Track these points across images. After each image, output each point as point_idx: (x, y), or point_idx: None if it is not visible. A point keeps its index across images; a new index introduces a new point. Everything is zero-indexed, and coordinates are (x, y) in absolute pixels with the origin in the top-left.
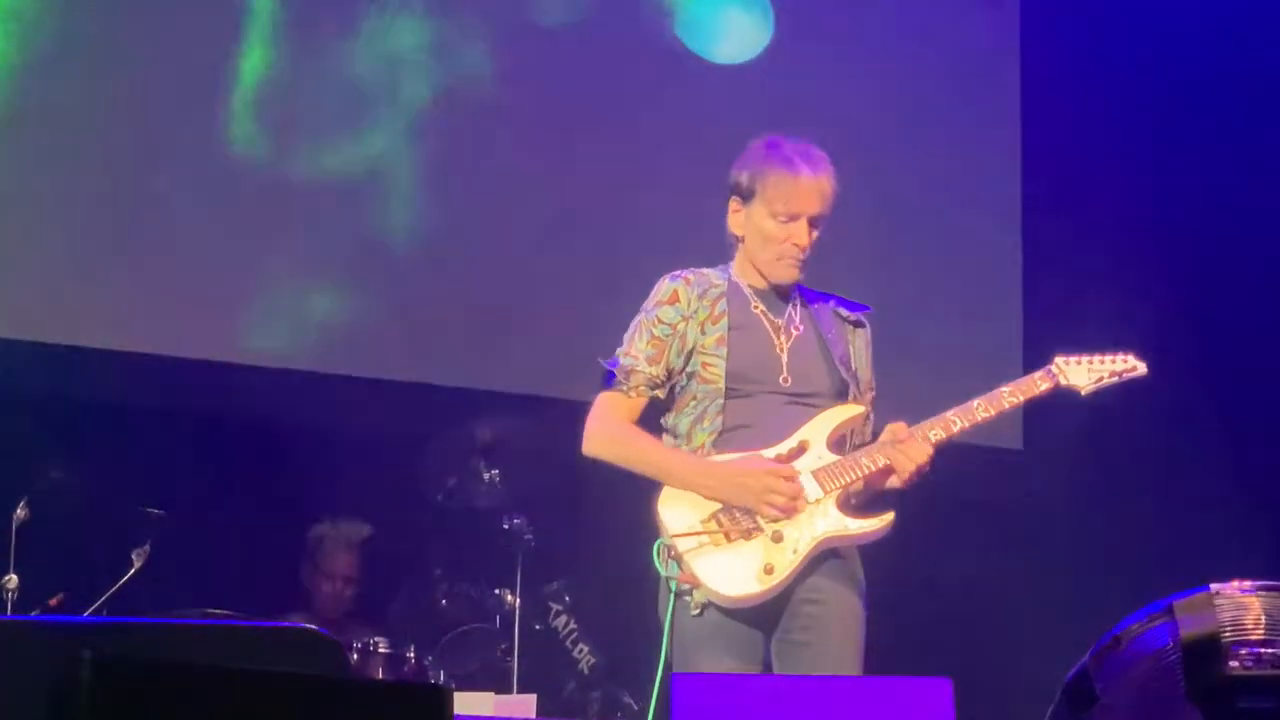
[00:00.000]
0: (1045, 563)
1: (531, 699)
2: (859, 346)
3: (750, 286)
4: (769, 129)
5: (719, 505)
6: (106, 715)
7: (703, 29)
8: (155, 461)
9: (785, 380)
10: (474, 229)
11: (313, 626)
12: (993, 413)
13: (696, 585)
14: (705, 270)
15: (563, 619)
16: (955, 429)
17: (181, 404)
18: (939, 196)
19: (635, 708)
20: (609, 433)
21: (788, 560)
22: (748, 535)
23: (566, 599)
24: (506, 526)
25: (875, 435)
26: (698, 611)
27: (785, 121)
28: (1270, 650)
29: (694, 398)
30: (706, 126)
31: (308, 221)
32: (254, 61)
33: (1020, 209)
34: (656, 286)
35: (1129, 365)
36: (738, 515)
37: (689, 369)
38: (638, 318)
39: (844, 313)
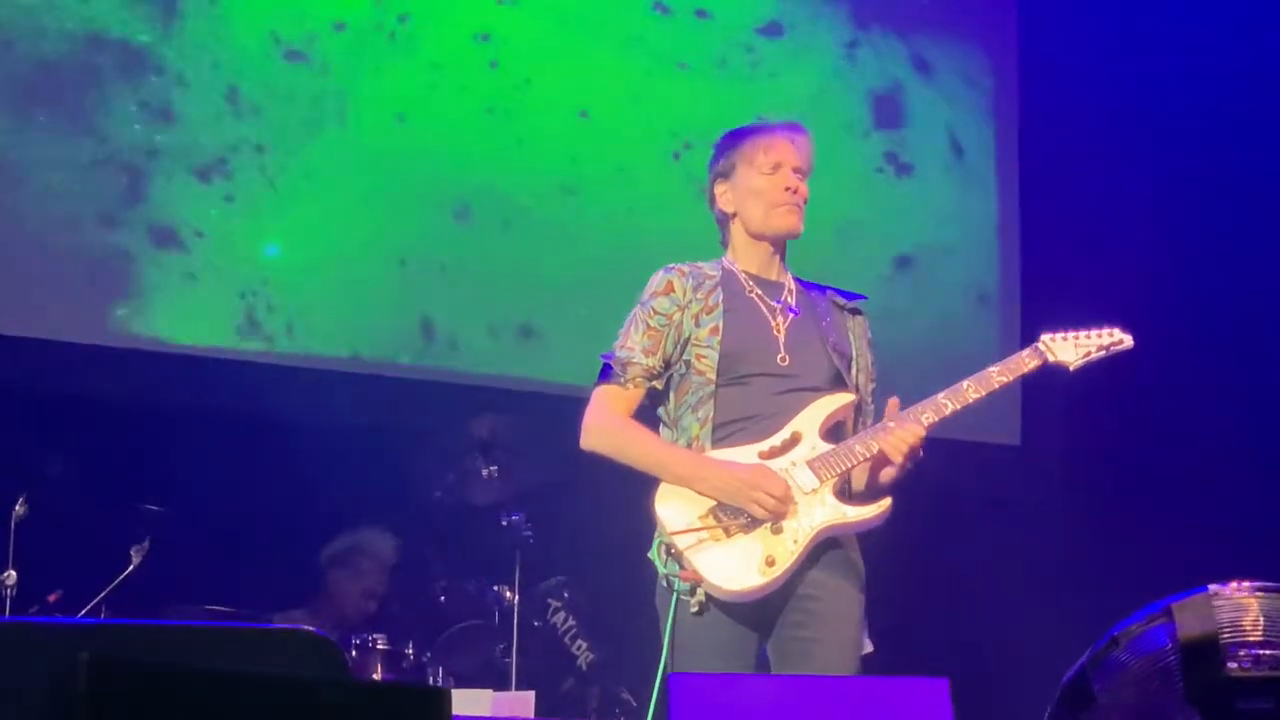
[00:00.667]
0: (1043, 561)
1: (530, 696)
2: (857, 334)
3: (745, 271)
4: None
5: (715, 500)
6: (104, 717)
7: None
8: (154, 458)
9: (783, 360)
10: (475, 222)
11: (310, 628)
12: (983, 393)
13: (699, 581)
14: (699, 263)
15: (561, 616)
16: (947, 410)
17: (181, 400)
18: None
19: (633, 704)
20: (606, 427)
21: (788, 551)
22: (747, 529)
23: (565, 596)
24: (505, 523)
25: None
26: (697, 609)
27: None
28: (1268, 651)
29: (689, 388)
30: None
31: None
32: None
33: (1017, 195)
34: (651, 279)
35: (1115, 339)
36: (735, 510)
37: (685, 358)
38: (633, 310)
39: (840, 300)
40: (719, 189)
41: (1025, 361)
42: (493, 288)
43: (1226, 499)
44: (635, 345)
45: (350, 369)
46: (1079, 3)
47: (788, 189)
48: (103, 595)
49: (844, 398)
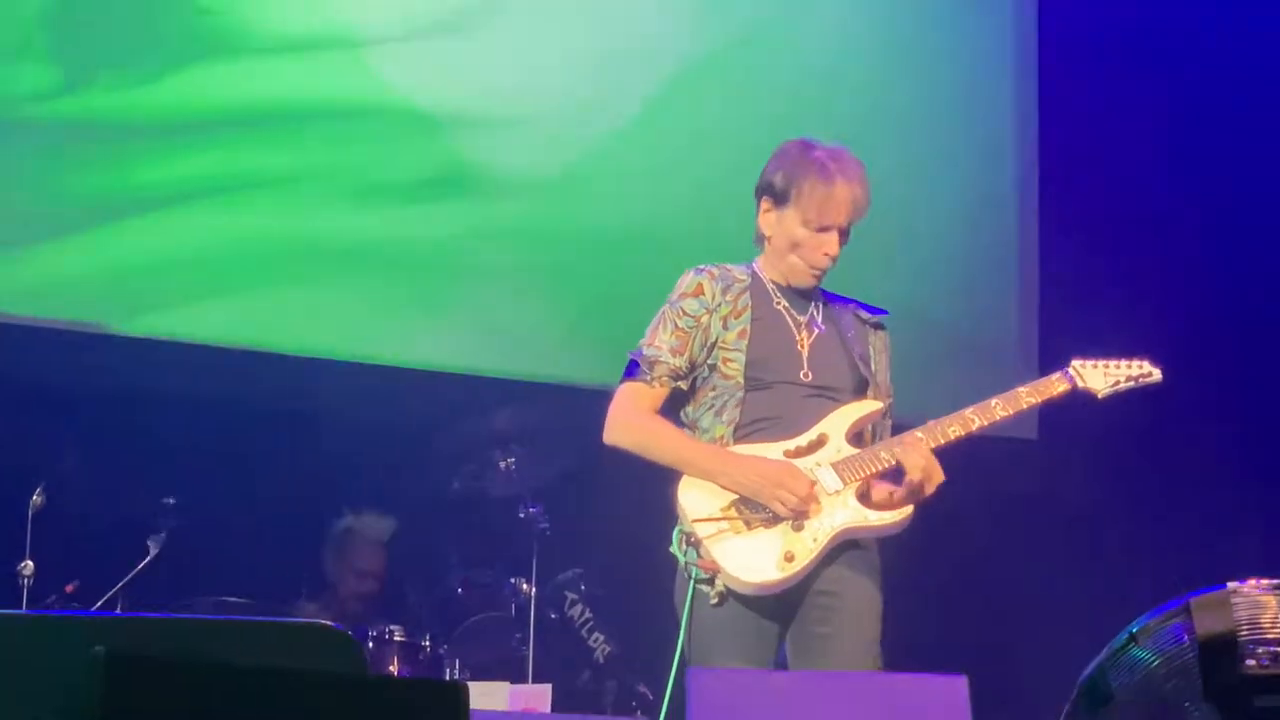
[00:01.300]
0: (1061, 557)
1: (546, 689)
2: (878, 349)
3: (773, 282)
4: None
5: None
6: (120, 711)
7: None
8: (172, 449)
9: (806, 375)
10: (491, 215)
11: (329, 622)
12: (1010, 412)
13: (716, 572)
14: (729, 266)
15: (578, 608)
16: (974, 426)
17: (199, 392)
18: (948, 193)
19: (650, 697)
20: (630, 421)
21: (808, 549)
22: (768, 523)
23: (582, 588)
24: (522, 515)
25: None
26: (716, 601)
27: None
28: None
29: (713, 390)
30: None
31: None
32: None
33: (1037, 208)
34: (680, 279)
35: (1145, 371)
36: (758, 504)
37: (710, 361)
38: (661, 309)
39: (864, 315)
40: (764, 205)
41: (1054, 385)
42: (510, 276)
43: (1246, 495)
44: (663, 344)
45: (369, 362)
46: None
47: (825, 254)
48: (120, 586)
49: (872, 405)
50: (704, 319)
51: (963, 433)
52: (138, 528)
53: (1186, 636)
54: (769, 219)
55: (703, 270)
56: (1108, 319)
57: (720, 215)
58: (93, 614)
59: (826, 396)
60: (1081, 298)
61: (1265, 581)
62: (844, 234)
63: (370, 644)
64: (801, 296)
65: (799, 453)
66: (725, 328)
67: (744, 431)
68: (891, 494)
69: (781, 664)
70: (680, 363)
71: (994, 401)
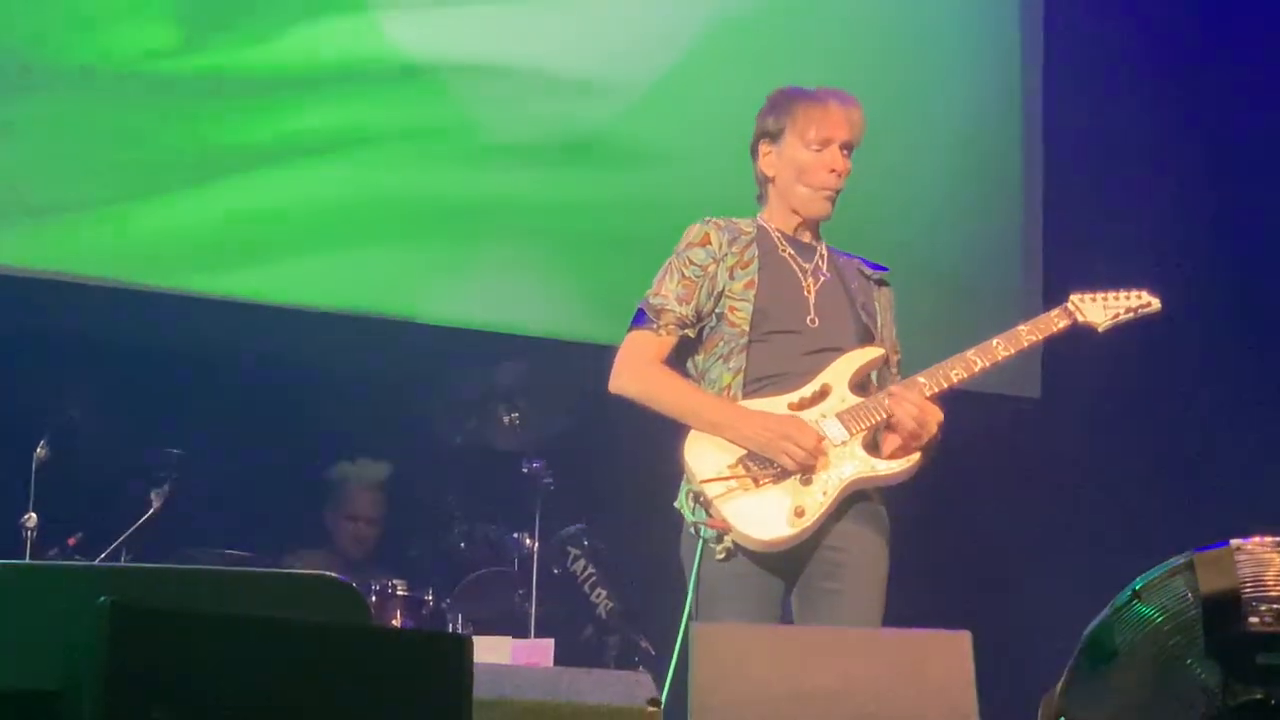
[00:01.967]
0: (1064, 514)
1: (549, 643)
2: (883, 304)
3: (779, 231)
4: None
5: (745, 450)
6: (124, 661)
7: None
8: (175, 402)
9: (812, 321)
10: (493, 170)
11: (333, 574)
12: (1012, 351)
13: (727, 530)
14: (735, 219)
15: (581, 563)
16: (976, 368)
17: (203, 343)
18: (950, 137)
19: (652, 653)
20: (637, 370)
21: (817, 503)
22: (776, 479)
23: (585, 543)
24: (525, 470)
25: None
26: (723, 556)
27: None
28: None
29: (722, 340)
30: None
31: (329, 166)
32: None
33: (1041, 152)
34: (687, 230)
35: (1144, 301)
36: (765, 459)
37: (718, 310)
38: (668, 260)
39: (867, 270)
40: (763, 149)
41: (1054, 321)
42: (512, 230)
43: (1251, 451)
44: (669, 293)
45: (372, 315)
46: None
47: (833, 170)
48: (123, 539)
49: (873, 351)
50: (711, 268)
51: (965, 375)
52: (141, 481)
53: (1190, 593)
54: (769, 160)
55: (709, 221)
56: (1113, 266)
57: None
58: (98, 565)
59: (830, 349)
60: (1086, 243)
61: (1269, 539)
62: (845, 151)
63: (373, 598)
64: (807, 246)
65: (803, 405)
66: (732, 278)
67: (752, 387)
68: (897, 443)
69: (787, 619)
70: (687, 311)
71: (995, 341)
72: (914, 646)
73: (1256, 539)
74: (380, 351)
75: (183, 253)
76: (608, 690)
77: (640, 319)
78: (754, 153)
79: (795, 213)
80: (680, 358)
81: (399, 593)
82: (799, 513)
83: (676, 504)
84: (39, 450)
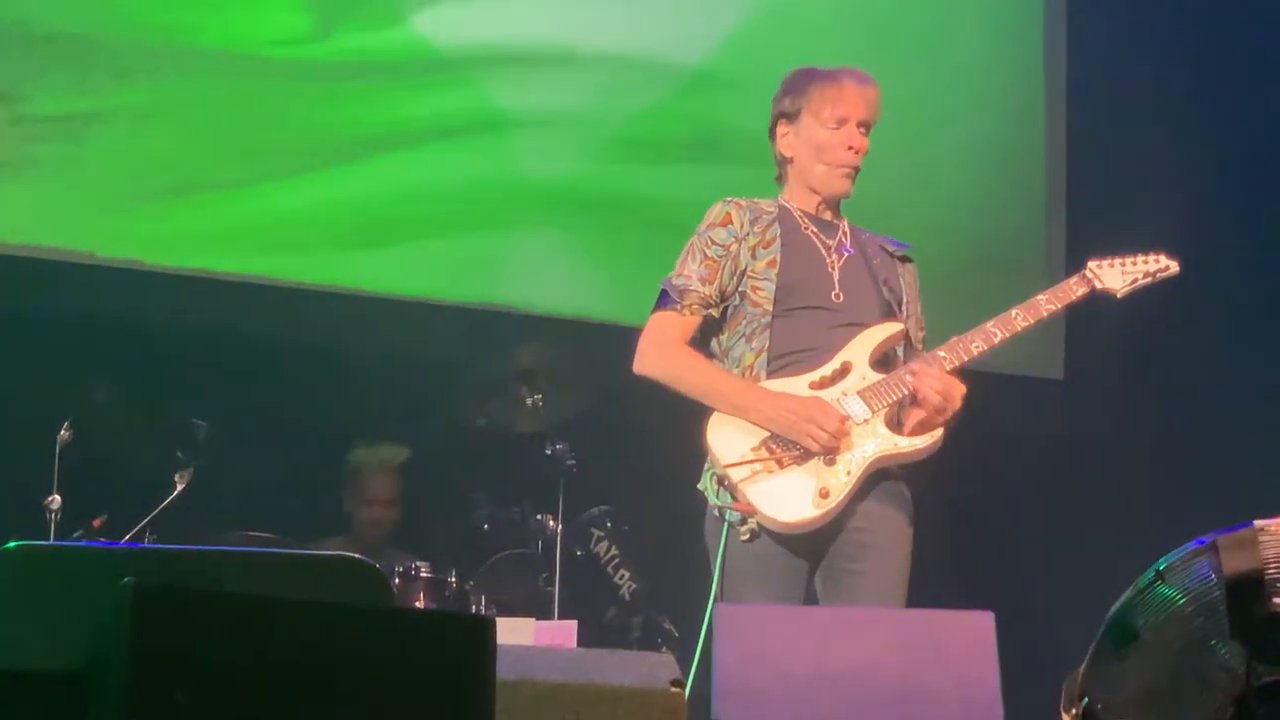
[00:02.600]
0: (1087, 495)
1: (572, 625)
2: (907, 281)
3: (801, 210)
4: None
5: (768, 431)
6: (148, 642)
7: None
8: (199, 384)
9: (837, 296)
10: (516, 150)
11: (356, 555)
12: (1031, 321)
13: (752, 513)
14: (756, 200)
15: (604, 545)
16: (996, 339)
17: (228, 326)
18: (974, 111)
19: (676, 634)
20: (661, 351)
21: (842, 483)
22: (800, 460)
23: (608, 525)
24: (549, 452)
25: None
26: (747, 537)
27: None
28: None
29: (745, 319)
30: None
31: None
32: None
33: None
34: (709, 211)
35: (1161, 265)
36: (788, 441)
37: (741, 289)
38: (690, 241)
39: (890, 248)
40: (781, 129)
41: (1073, 289)
42: (536, 212)
43: (1275, 432)
44: (692, 274)
45: (396, 297)
46: None
47: (850, 148)
48: (147, 520)
49: (893, 326)
50: (733, 248)
51: (986, 347)
52: (164, 462)
53: (1213, 574)
54: (787, 141)
55: (730, 202)
56: (1138, 241)
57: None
58: (122, 545)
59: (854, 324)
60: (1111, 216)
61: None
62: (863, 129)
63: (396, 579)
64: (828, 224)
65: (824, 383)
66: (754, 257)
67: (775, 365)
68: (920, 419)
69: (811, 599)
70: (710, 291)
71: (1014, 312)
72: (937, 627)
73: None
74: (403, 334)
75: (212, 238)
76: (631, 671)
77: (664, 300)
78: (771, 134)
79: (815, 191)
80: (704, 338)
81: (422, 574)
82: (824, 493)
83: (700, 486)
84: (62, 432)
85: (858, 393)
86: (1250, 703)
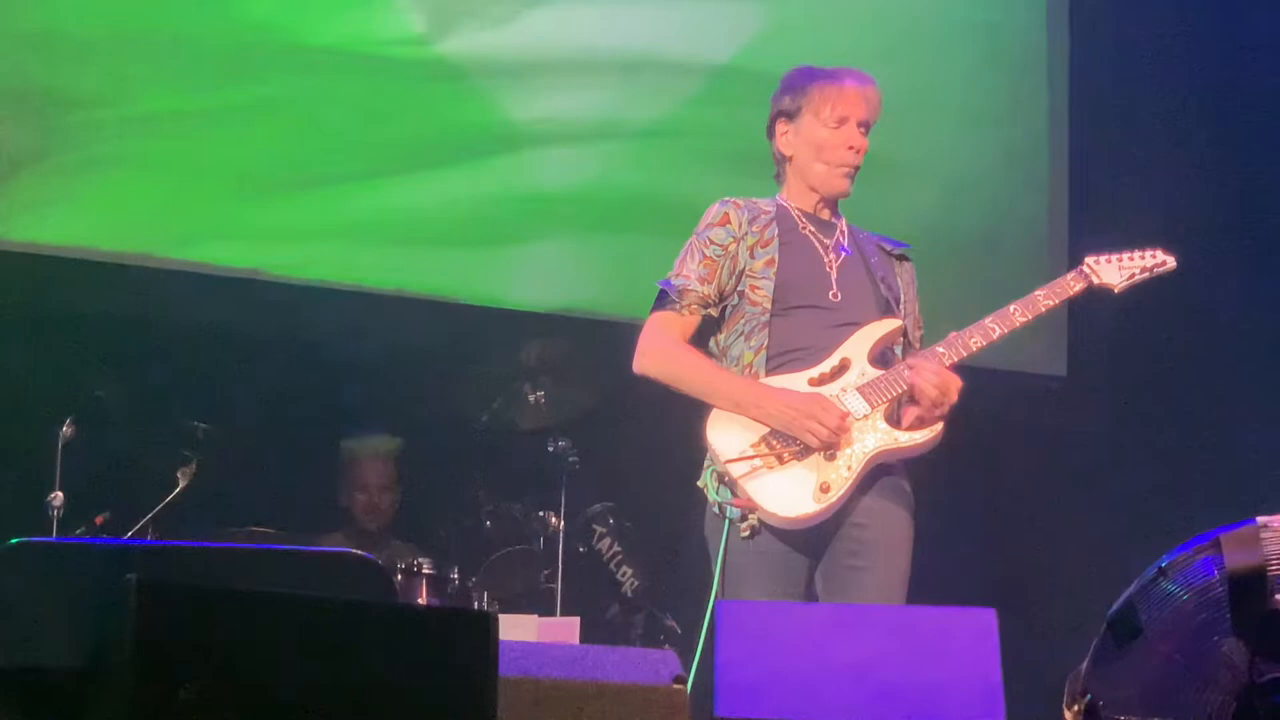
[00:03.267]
0: (1090, 492)
1: (574, 621)
2: (905, 279)
3: (799, 209)
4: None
5: (768, 427)
6: (152, 638)
7: None
8: (201, 380)
9: (834, 296)
10: (520, 148)
11: (359, 551)
12: (1029, 316)
13: (753, 510)
14: (755, 199)
15: (606, 542)
16: (995, 335)
17: (230, 322)
18: (976, 105)
19: (678, 631)
20: (661, 351)
21: (842, 478)
22: (800, 456)
23: (610, 522)
24: (551, 449)
25: None
26: (748, 534)
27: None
28: None
29: (743, 317)
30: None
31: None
32: None
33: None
34: (707, 210)
35: (1159, 260)
36: (788, 436)
37: (739, 289)
38: (689, 241)
39: (887, 247)
40: (780, 128)
41: (1070, 284)
42: (538, 210)
43: (1277, 429)
44: (691, 273)
45: (399, 294)
46: None
47: (850, 147)
48: (149, 517)
49: (891, 323)
50: (731, 247)
51: (984, 342)
52: (167, 459)
53: (1216, 571)
54: (786, 139)
55: (728, 201)
56: (1140, 238)
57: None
58: (125, 541)
59: (852, 323)
60: (1112, 213)
61: None
62: (863, 129)
63: (399, 576)
64: (826, 223)
65: (823, 379)
66: (753, 257)
67: (774, 364)
68: (917, 414)
69: (812, 595)
70: (709, 290)
71: (1012, 308)
72: (939, 624)
73: None
74: (407, 331)
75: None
76: (633, 668)
77: (663, 300)
78: (770, 133)
79: (814, 190)
80: (703, 337)
81: (425, 571)
82: (824, 489)
83: (700, 483)
84: (65, 429)
85: (857, 388)
86: (1252, 698)
